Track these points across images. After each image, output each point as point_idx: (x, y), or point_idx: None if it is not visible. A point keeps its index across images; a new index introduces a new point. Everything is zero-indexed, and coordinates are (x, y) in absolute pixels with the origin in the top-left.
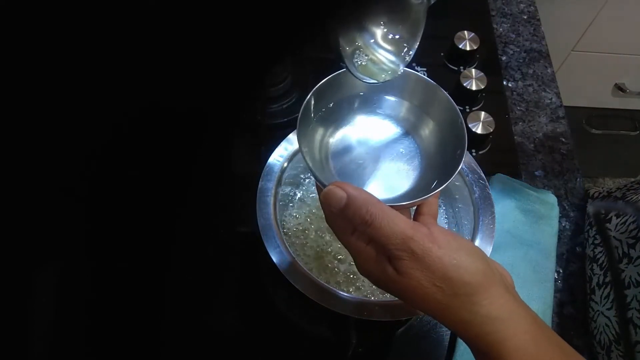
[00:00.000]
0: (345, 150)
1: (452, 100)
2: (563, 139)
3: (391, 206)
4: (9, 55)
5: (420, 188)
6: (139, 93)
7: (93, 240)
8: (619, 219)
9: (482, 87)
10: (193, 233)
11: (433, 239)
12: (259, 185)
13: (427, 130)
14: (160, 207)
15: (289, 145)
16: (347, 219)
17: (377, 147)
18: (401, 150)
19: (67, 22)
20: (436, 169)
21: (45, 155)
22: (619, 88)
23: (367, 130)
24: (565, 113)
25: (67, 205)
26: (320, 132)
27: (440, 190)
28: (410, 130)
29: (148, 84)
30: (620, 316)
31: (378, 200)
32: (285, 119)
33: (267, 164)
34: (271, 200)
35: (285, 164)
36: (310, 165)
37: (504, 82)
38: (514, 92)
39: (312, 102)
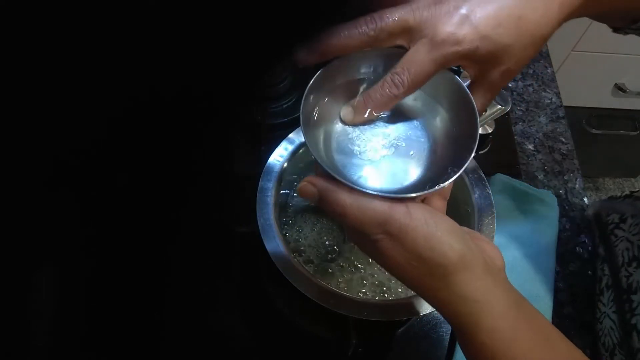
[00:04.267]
0: (350, 139)
1: (468, 91)
2: (563, 139)
3: (397, 197)
4: None
5: (428, 178)
6: (138, 93)
7: (92, 241)
8: (634, 220)
9: None
10: (193, 233)
11: (410, 219)
12: (259, 185)
13: (439, 121)
14: (160, 207)
15: (289, 145)
16: (326, 211)
17: (384, 135)
18: (410, 139)
19: (59, 13)
20: (445, 160)
21: (42, 152)
22: (619, 88)
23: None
24: (565, 113)
25: (66, 204)
26: (325, 119)
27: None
28: (420, 120)
29: (147, 84)
30: (622, 321)
31: (350, 189)
32: (285, 119)
33: (267, 164)
34: (271, 200)
35: (285, 164)
36: (315, 155)
37: None
38: (514, 92)
39: (316, 87)
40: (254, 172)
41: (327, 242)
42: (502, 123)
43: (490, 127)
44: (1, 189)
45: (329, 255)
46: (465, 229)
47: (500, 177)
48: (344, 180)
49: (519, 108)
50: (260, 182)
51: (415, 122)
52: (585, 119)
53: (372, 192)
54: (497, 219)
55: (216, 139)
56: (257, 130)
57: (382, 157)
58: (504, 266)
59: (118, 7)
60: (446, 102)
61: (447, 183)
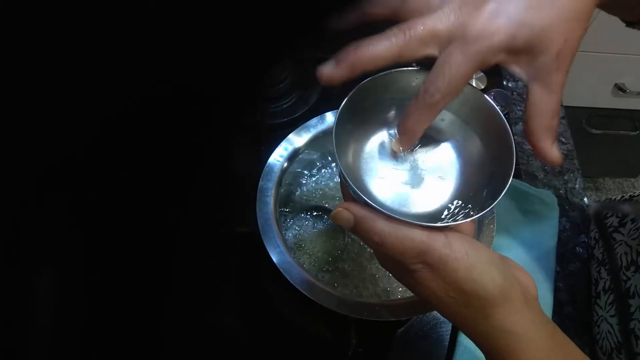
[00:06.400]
0: (379, 161)
1: (505, 120)
2: (563, 139)
3: (436, 227)
4: None
5: (459, 202)
6: (139, 93)
7: (92, 240)
8: (633, 224)
9: (482, 87)
10: (193, 233)
11: (450, 250)
12: (259, 185)
13: (471, 145)
14: (160, 207)
15: (289, 145)
16: (361, 238)
17: (414, 157)
18: (440, 161)
19: (60, 12)
20: (478, 184)
21: (42, 152)
22: (619, 88)
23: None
24: (565, 113)
25: (66, 204)
26: (354, 140)
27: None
28: (451, 143)
29: (147, 84)
30: (622, 325)
31: (387, 217)
32: (285, 119)
33: (267, 164)
34: (271, 200)
35: (285, 164)
36: (347, 177)
37: (504, 82)
38: (514, 92)
39: (348, 107)
40: (254, 172)
41: (327, 242)
42: None
43: None
44: (1, 189)
45: (329, 256)
46: (499, 254)
47: None
48: (381, 209)
49: (519, 108)
50: (260, 182)
51: (446, 145)
52: (585, 119)
53: (411, 222)
54: (497, 219)
55: (216, 139)
56: (257, 130)
57: (412, 180)
58: (537, 294)
59: (119, 7)
60: (480, 126)
61: (485, 211)
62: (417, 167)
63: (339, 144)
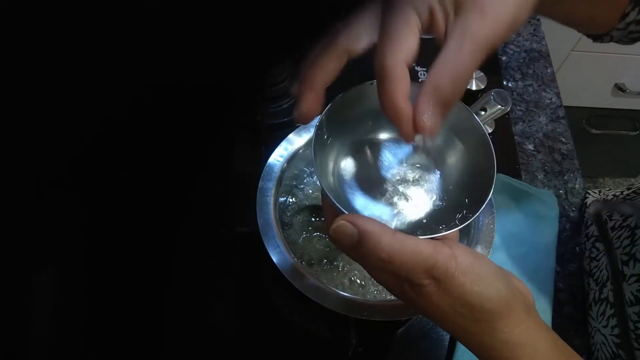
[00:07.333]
0: (360, 172)
1: (486, 132)
2: (563, 139)
3: (436, 237)
4: None
5: (442, 215)
6: (139, 93)
7: (92, 240)
8: (614, 233)
9: (482, 87)
10: (193, 233)
11: (456, 263)
12: (259, 185)
13: (453, 156)
14: (160, 207)
15: (289, 145)
16: (362, 255)
17: (396, 169)
18: (422, 173)
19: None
20: (460, 193)
21: (44, 152)
22: (619, 88)
23: (386, 151)
24: (565, 113)
25: (67, 204)
26: (334, 151)
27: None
28: (433, 154)
29: (148, 84)
30: (621, 335)
31: (394, 231)
32: (285, 119)
33: (267, 164)
34: (271, 200)
35: (285, 164)
36: (325, 188)
37: (504, 82)
38: (514, 92)
39: (327, 118)
40: (254, 172)
41: (327, 242)
42: (502, 123)
43: (490, 127)
44: (2, 189)
45: (329, 255)
46: (496, 264)
47: (500, 177)
48: (384, 223)
49: (519, 108)
50: (260, 182)
51: (429, 156)
52: (585, 119)
53: (417, 235)
54: (497, 219)
55: (216, 139)
56: (257, 130)
57: (394, 193)
58: (534, 302)
59: (119, 7)
60: (460, 134)
61: (471, 219)
62: (400, 179)
63: (318, 163)
